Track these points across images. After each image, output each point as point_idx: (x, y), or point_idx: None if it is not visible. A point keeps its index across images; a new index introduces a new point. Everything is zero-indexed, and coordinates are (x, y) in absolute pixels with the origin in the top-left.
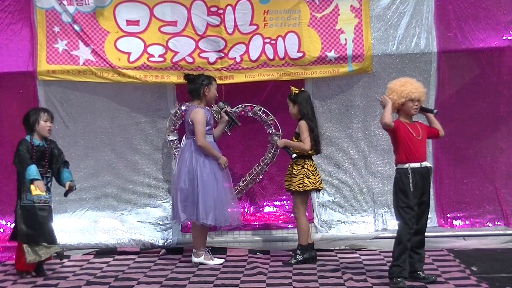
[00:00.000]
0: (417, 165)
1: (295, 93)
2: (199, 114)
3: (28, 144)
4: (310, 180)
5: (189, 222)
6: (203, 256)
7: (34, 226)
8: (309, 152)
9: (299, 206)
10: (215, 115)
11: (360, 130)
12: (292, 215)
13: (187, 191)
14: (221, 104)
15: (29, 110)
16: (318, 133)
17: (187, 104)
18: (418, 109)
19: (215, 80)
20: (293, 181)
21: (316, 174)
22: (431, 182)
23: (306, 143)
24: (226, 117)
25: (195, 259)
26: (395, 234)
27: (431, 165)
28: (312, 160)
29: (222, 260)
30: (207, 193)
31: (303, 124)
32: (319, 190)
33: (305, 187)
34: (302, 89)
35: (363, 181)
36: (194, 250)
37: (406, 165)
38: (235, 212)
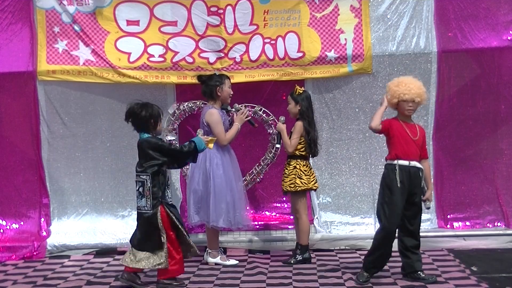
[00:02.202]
0: (405, 163)
1: (299, 92)
2: (213, 115)
3: (156, 138)
4: (302, 180)
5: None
6: (219, 256)
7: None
8: (302, 153)
9: (297, 207)
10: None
11: (361, 132)
12: (291, 216)
13: (201, 193)
14: (236, 105)
15: (140, 106)
16: (314, 136)
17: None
18: (412, 110)
19: (228, 78)
20: (285, 181)
21: (309, 174)
22: (422, 184)
23: (292, 145)
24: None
25: (211, 260)
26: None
27: (421, 167)
28: (306, 160)
29: (237, 261)
30: (219, 196)
31: (298, 125)
32: (314, 190)
33: (297, 187)
34: (303, 89)
35: (363, 183)
36: (209, 251)
37: (395, 162)
38: (246, 214)
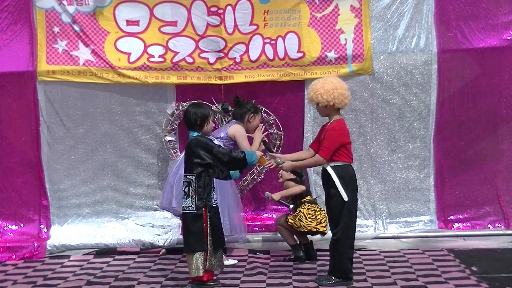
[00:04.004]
0: None
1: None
2: (240, 130)
3: (206, 139)
4: (302, 222)
5: None
6: None
7: (221, 228)
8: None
9: (280, 226)
10: (215, 115)
11: (362, 135)
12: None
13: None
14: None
15: (193, 105)
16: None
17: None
18: (319, 113)
19: (261, 112)
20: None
21: (314, 218)
22: (331, 183)
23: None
24: (263, 147)
25: None
26: (395, 235)
27: (326, 167)
28: (311, 204)
29: (236, 261)
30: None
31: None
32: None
33: (295, 228)
34: None
35: (363, 185)
36: None
37: None
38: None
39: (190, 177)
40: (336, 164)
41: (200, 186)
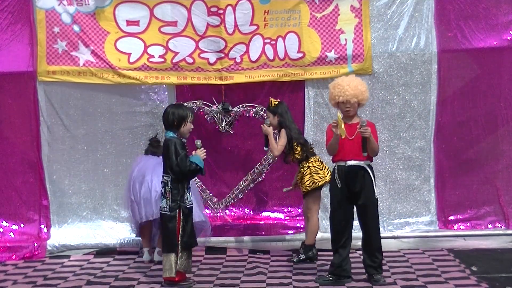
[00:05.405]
0: (341, 163)
1: (274, 104)
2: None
3: (180, 142)
4: (319, 175)
5: None
6: None
7: (192, 229)
8: (305, 154)
9: (310, 206)
10: (215, 115)
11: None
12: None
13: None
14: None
15: (172, 105)
16: (302, 140)
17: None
18: (351, 111)
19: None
20: (303, 183)
21: (323, 168)
22: (364, 181)
23: (278, 149)
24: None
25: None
26: (395, 235)
27: (363, 165)
28: (315, 156)
29: None
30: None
31: (283, 132)
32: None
33: (316, 183)
34: (278, 100)
35: None
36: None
37: (334, 164)
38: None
39: (166, 178)
40: (370, 163)
41: (175, 187)
